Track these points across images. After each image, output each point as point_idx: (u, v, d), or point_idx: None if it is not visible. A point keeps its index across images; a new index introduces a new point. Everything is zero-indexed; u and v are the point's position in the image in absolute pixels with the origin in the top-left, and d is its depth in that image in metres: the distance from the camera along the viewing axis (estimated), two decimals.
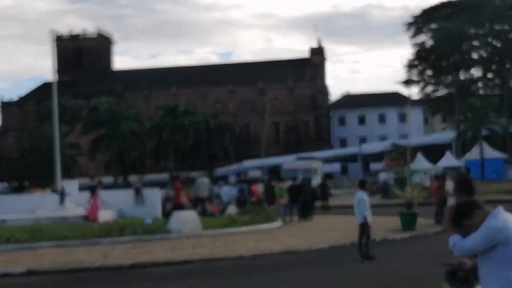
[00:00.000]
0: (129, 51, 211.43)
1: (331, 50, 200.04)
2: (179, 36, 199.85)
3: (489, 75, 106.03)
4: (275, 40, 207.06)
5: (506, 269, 5.42)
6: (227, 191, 44.50)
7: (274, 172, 75.86)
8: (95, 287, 15.64)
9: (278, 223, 30.16)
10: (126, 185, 67.80)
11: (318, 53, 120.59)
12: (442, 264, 6.17)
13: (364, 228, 18.27)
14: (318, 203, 40.89)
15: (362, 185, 20.27)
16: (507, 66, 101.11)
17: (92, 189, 35.66)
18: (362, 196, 18.54)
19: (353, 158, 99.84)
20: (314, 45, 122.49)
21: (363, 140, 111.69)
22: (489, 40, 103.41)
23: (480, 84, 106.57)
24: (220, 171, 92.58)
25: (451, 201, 19.31)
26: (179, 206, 28.86)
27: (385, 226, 26.74)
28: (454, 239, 5.69)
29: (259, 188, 44.70)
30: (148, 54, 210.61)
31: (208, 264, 18.34)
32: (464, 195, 6.05)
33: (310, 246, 21.12)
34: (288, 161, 77.49)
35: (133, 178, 77.40)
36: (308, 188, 35.37)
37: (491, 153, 75.97)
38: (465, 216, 5.70)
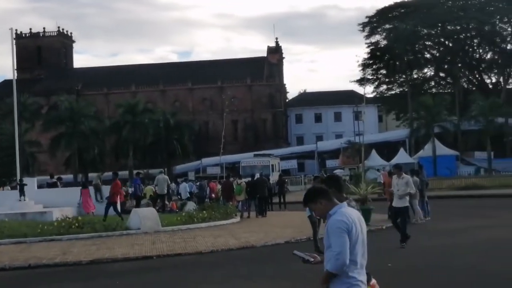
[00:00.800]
0: (89, 50, 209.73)
1: (288, 49, 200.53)
2: (138, 35, 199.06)
3: (441, 74, 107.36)
4: (233, 39, 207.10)
5: None
6: (187, 188, 44.50)
7: (233, 169, 75.87)
8: (55, 283, 15.46)
9: (236, 219, 30.20)
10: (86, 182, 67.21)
11: (275, 52, 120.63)
12: (292, 253, 6.54)
13: (311, 222, 18.46)
14: (276, 199, 41.04)
15: (316, 179, 21.20)
16: (459, 65, 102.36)
17: (83, 185, 35.87)
18: None
19: (309, 155, 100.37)
20: (272, 44, 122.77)
21: (319, 137, 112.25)
22: (441, 40, 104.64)
23: (432, 83, 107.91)
24: (179, 168, 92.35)
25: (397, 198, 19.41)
26: (113, 204, 28.56)
27: None
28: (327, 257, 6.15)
29: (217, 185, 44.77)
30: (108, 52, 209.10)
31: (167, 259, 18.27)
32: (334, 191, 6.62)
33: (266, 241, 21.18)
34: (246, 158, 77.47)
35: (92, 175, 76.73)
36: (265, 184, 35.42)
37: (443, 150, 76.90)
38: (310, 200, 6.39)
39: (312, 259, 6.38)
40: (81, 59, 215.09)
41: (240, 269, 16.08)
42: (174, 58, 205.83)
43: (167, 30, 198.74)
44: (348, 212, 6.19)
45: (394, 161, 73.14)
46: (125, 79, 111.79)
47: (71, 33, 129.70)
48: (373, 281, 6.94)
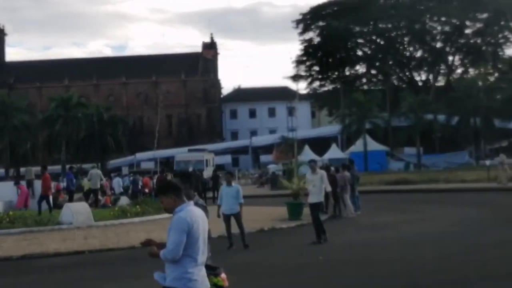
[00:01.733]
0: (22, 43, 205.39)
1: (223, 45, 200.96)
2: (72, 29, 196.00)
3: (373, 71, 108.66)
4: (168, 34, 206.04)
5: (183, 254, 6.36)
6: (120, 183, 44.11)
7: (167, 164, 75.55)
8: None
9: (169, 214, 29.99)
10: (18, 177, 65.98)
11: (210, 48, 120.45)
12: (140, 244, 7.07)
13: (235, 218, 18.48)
14: (210, 194, 41.00)
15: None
16: (390, 62, 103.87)
17: (17, 180, 35.19)
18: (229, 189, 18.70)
19: (244, 150, 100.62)
20: (207, 40, 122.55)
21: (253, 133, 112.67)
22: (373, 37, 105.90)
23: (364, 80, 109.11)
24: (113, 163, 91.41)
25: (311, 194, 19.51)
26: (46, 198, 28.35)
27: (273, 215, 27.11)
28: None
29: (151, 180, 44.54)
30: (41, 46, 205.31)
31: (99, 254, 18.13)
32: (186, 187, 7.22)
33: None
34: (180, 153, 77.13)
35: (24, 170, 75.40)
36: (199, 179, 35.40)
37: (374, 145, 77.86)
38: (162, 192, 6.72)
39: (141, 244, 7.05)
40: (14, 53, 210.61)
41: None
42: (108, 52, 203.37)
43: (101, 24, 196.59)
44: (193, 211, 6.55)
45: (327, 156, 73.97)
46: (58, 73, 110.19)
47: (3, 26, 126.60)
48: (223, 275, 7.34)
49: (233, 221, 18.48)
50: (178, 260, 6.37)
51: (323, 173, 19.55)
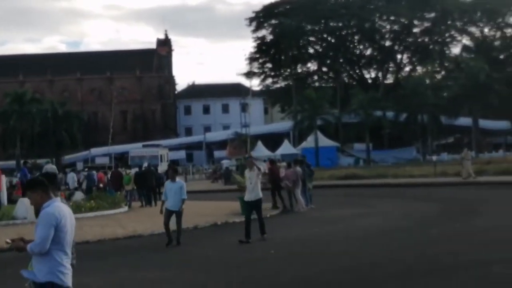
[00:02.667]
0: None
1: (178, 42, 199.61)
2: (26, 24, 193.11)
3: (324, 69, 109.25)
4: (123, 31, 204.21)
5: (53, 248, 6.43)
6: (74, 178, 43.59)
7: (122, 159, 74.96)
8: None
9: (124, 209, 29.84)
10: None
11: (165, 45, 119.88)
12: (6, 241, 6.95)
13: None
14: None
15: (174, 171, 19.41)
16: (340, 60, 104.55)
17: None
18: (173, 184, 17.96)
19: (198, 146, 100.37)
20: (162, 36, 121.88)
21: (207, 128, 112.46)
22: (324, 36, 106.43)
23: (315, 77, 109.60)
24: (67, 158, 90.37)
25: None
26: None
27: (227, 210, 27.09)
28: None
29: (106, 175, 44.15)
30: None
31: None
32: (52, 187, 7.10)
33: (154, 230, 20.98)
34: (135, 149, 76.66)
35: None
36: (153, 174, 35.20)
37: (325, 141, 78.26)
38: (30, 188, 6.77)
39: (10, 241, 6.84)
40: None
41: (127, 258, 15.91)
42: (63, 48, 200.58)
43: (56, 20, 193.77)
44: (61, 207, 6.62)
45: (279, 152, 74.17)
46: (13, 68, 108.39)
47: None
48: None
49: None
50: (49, 254, 6.46)
51: (259, 170, 18.34)
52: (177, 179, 18.43)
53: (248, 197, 18.11)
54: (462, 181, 40.23)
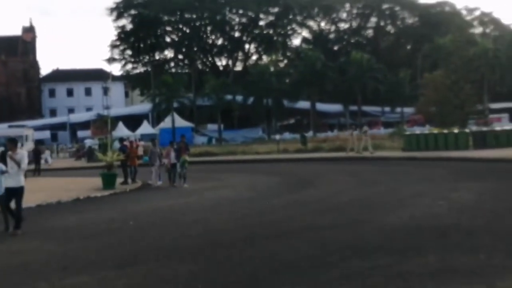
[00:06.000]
0: None
1: (42, 28, 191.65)
2: None
3: (180, 56, 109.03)
4: None
5: None
6: None
7: None
8: None
9: None
10: None
11: (29, 31, 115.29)
12: None
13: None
14: (31, 167, 39.37)
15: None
16: (195, 49, 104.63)
17: None
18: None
19: (62, 126, 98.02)
20: (27, 24, 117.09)
21: (71, 110, 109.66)
22: (180, 26, 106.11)
23: (172, 64, 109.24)
24: None
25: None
26: None
27: (89, 185, 26.57)
28: None
29: None
30: None
31: None
32: None
33: None
34: (0, 129, 73.32)
35: None
36: None
37: (181, 122, 78.37)
38: None
39: None
40: None
41: None
42: None
43: None
44: None
45: (139, 131, 73.49)
46: None
47: None
48: None
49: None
50: None
51: (24, 153, 14.90)
52: (19, 149, 15.07)
53: (9, 183, 14.47)
54: (347, 156, 39.61)
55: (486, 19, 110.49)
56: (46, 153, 56.09)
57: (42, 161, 45.19)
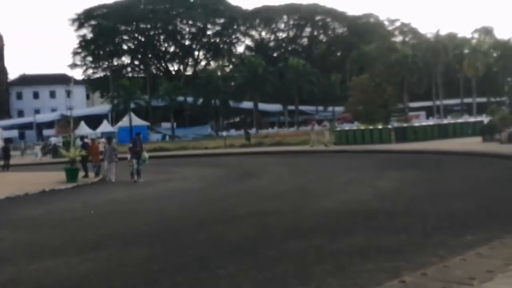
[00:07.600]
0: None
1: (10, 35, 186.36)
2: None
3: (136, 62, 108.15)
4: None
5: None
6: None
7: None
8: None
9: None
10: None
11: None
12: None
13: None
14: (0, 163, 38.49)
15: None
16: (149, 55, 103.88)
17: None
18: None
19: (29, 126, 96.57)
20: None
21: (37, 111, 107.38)
22: (136, 35, 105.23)
23: (129, 69, 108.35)
24: None
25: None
26: None
27: (53, 179, 26.03)
28: None
29: None
30: None
31: None
32: None
33: None
34: None
35: None
36: None
37: (137, 121, 77.63)
38: None
39: None
40: None
41: None
42: None
43: None
44: None
45: (99, 130, 72.46)
46: None
47: None
48: None
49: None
50: None
51: None
52: None
53: None
54: (309, 149, 38.73)
55: (406, 29, 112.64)
56: (36, 148, 55.32)
57: (33, 156, 44.33)
